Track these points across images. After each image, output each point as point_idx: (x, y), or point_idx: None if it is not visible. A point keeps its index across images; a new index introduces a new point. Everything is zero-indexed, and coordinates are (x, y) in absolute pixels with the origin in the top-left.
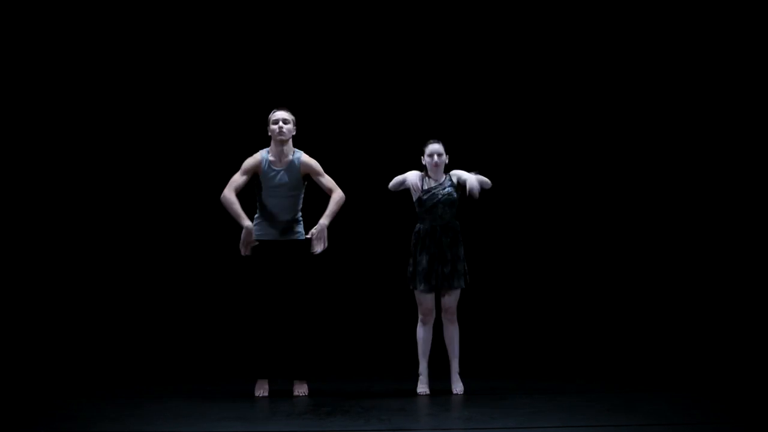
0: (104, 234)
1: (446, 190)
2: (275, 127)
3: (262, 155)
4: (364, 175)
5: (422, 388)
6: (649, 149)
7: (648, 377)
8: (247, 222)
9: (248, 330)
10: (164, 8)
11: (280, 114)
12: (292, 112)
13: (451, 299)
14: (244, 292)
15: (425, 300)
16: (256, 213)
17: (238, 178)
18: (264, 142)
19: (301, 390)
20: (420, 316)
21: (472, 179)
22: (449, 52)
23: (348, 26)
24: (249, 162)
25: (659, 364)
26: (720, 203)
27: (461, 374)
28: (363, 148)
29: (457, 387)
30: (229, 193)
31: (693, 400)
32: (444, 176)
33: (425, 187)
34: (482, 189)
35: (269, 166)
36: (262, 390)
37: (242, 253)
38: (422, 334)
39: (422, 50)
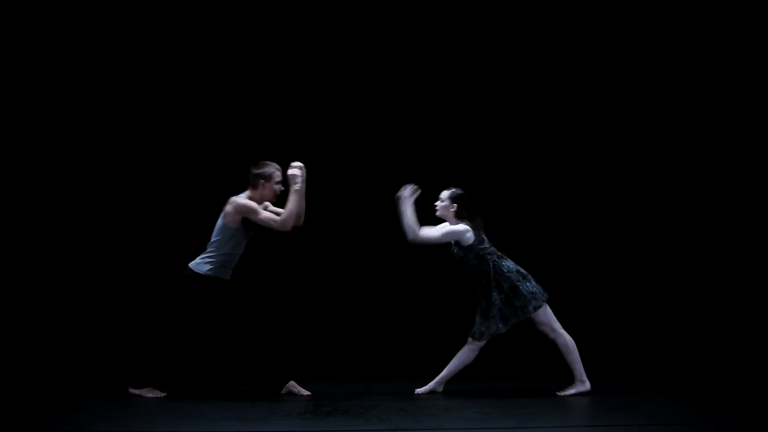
0: (104, 235)
1: (454, 250)
2: (278, 187)
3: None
4: (366, 178)
5: (420, 389)
6: (649, 150)
7: (648, 377)
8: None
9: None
10: (164, 9)
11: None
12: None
13: (538, 322)
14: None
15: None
16: (218, 257)
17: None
18: (264, 145)
19: (300, 390)
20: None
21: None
22: (451, 55)
23: (350, 30)
24: (251, 203)
25: (659, 364)
26: (720, 203)
27: (457, 374)
28: (362, 152)
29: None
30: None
31: (693, 400)
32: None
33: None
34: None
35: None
36: (153, 394)
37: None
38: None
39: (422, 52)
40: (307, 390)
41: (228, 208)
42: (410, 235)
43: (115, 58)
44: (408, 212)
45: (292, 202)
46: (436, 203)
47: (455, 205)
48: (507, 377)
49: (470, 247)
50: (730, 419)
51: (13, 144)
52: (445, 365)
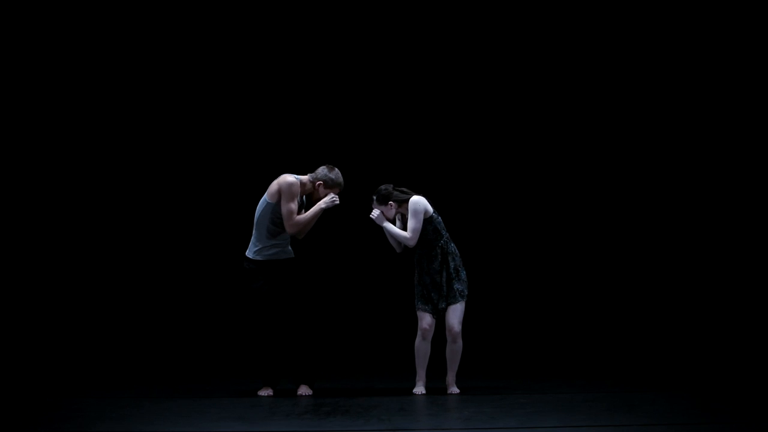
0: (104, 235)
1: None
2: (334, 197)
3: (297, 183)
4: (363, 178)
5: (419, 388)
6: (649, 149)
7: (648, 377)
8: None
9: (257, 341)
10: (164, 8)
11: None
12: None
13: (451, 319)
14: (254, 306)
15: (423, 318)
16: (266, 240)
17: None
18: (265, 145)
19: (304, 390)
20: (419, 332)
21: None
22: (447, 53)
23: (347, 29)
24: (296, 189)
25: (659, 364)
26: (720, 203)
27: (457, 374)
28: (363, 154)
29: (453, 390)
30: (297, 222)
31: (693, 400)
32: (403, 218)
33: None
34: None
35: (300, 198)
36: (266, 392)
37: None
38: (420, 347)
39: (419, 51)
40: (311, 391)
41: (273, 182)
42: (409, 243)
43: (116, 58)
44: (390, 228)
45: (312, 213)
46: (372, 214)
47: (390, 203)
48: (507, 377)
49: (430, 218)
50: (730, 419)
51: (13, 144)
52: (443, 368)
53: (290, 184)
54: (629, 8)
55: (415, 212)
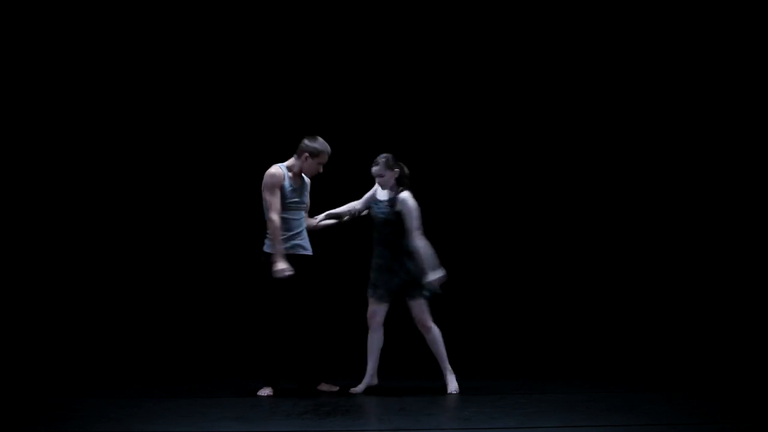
0: (105, 234)
1: (383, 211)
2: (319, 168)
3: (282, 170)
4: (363, 179)
5: (359, 387)
6: (648, 149)
7: (648, 377)
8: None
9: (263, 338)
10: (164, 8)
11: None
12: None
13: (415, 310)
14: (263, 302)
15: (369, 305)
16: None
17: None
18: (266, 141)
19: (327, 387)
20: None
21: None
22: (445, 51)
23: (346, 29)
24: (276, 180)
25: (659, 364)
26: (720, 203)
27: (457, 374)
28: (361, 152)
29: (451, 386)
30: (276, 218)
31: (693, 400)
32: (390, 194)
33: (373, 200)
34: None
35: (290, 183)
36: (266, 392)
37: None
38: (369, 335)
39: (412, 46)
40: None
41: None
42: (421, 237)
43: (115, 58)
44: (426, 260)
45: (277, 248)
46: (374, 168)
47: (396, 170)
48: (507, 377)
49: (396, 221)
50: (730, 419)
51: (13, 144)
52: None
53: (271, 175)
54: (629, 8)
55: (412, 209)
